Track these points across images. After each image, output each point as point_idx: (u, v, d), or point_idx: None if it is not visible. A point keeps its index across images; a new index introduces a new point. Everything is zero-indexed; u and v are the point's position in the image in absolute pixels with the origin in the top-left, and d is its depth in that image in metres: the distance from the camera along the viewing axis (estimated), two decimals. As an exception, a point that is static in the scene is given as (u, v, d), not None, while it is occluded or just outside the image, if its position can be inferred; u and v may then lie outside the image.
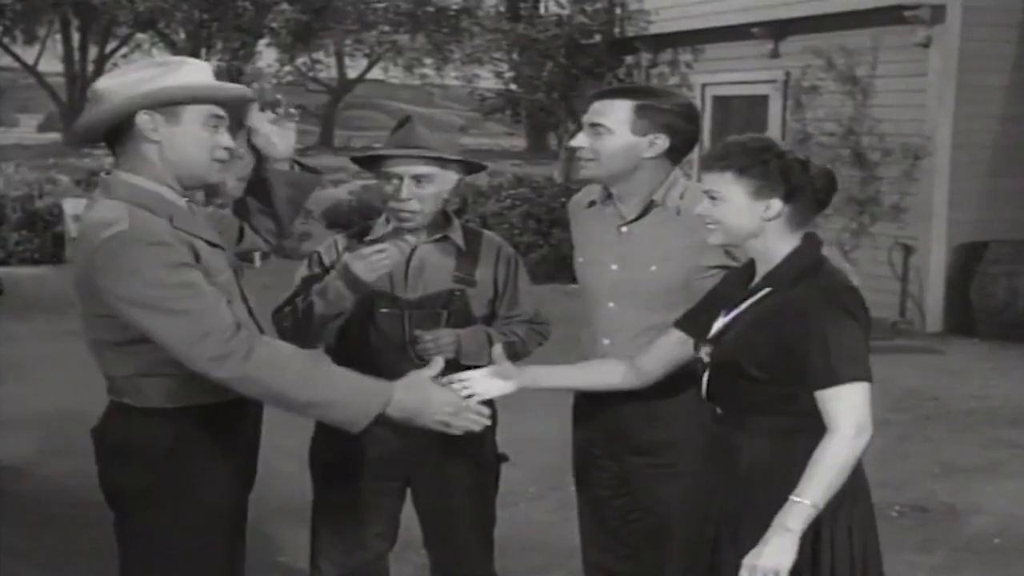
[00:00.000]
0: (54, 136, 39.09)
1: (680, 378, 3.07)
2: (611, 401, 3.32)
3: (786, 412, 2.75)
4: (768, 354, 2.72)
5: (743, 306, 2.83)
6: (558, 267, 12.42)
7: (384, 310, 3.38)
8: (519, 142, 38.02)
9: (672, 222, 3.28)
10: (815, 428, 2.73)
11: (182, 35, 31.03)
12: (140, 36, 36.34)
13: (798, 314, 2.69)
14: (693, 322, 3.01)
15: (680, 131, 3.28)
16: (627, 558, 3.46)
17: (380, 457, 3.39)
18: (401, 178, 3.34)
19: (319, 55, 38.25)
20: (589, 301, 3.44)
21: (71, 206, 14.34)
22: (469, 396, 2.94)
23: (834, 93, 11.39)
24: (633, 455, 3.35)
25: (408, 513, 3.55)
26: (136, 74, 2.86)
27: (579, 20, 15.68)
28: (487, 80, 24.25)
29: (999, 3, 10.99)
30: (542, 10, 18.11)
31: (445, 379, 2.92)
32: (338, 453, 3.42)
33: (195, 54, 29.13)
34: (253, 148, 3.14)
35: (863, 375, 2.66)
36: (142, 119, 2.78)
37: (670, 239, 3.24)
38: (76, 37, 37.92)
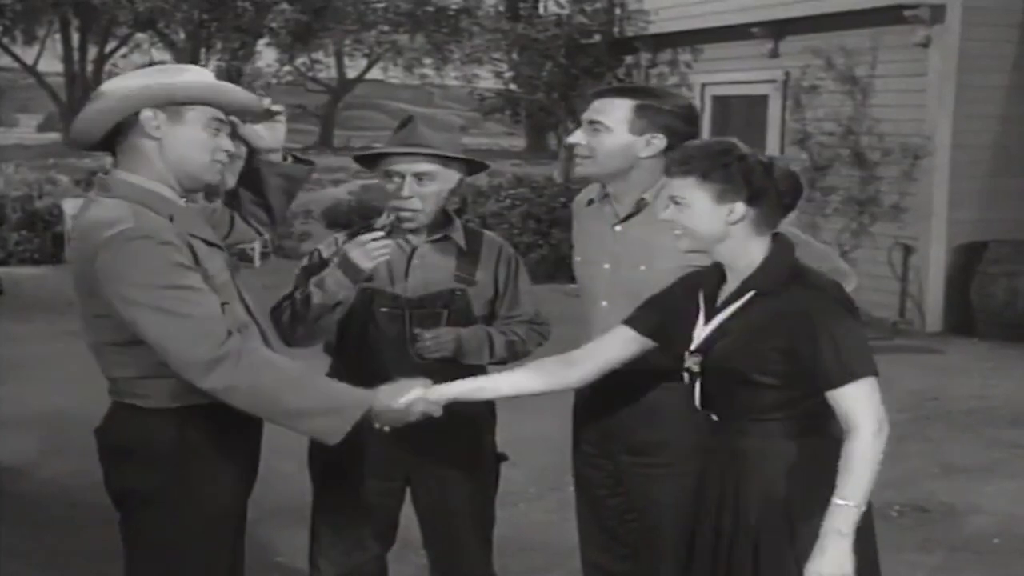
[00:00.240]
0: (54, 136, 39.09)
1: (676, 378, 3.07)
2: (608, 401, 3.32)
3: (791, 415, 2.76)
4: (774, 359, 2.71)
5: (727, 312, 2.81)
6: (557, 267, 12.43)
7: (384, 309, 3.38)
8: (519, 142, 38.02)
9: (661, 222, 3.28)
10: (820, 428, 2.75)
11: (182, 35, 31.01)
12: (140, 36, 36.33)
13: (802, 317, 2.69)
14: (644, 322, 3.00)
15: (678, 132, 3.28)
16: (625, 557, 3.47)
17: (379, 457, 3.39)
18: (403, 176, 3.35)
19: (319, 55, 38.25)
20: (585, 300, 3.45)
21: (71, 206, 14.34)
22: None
23: (834, 93, 11.39)
24: (628, 455, 3.36)
25: (407, 513, 3.55)
26: (142, 76, 2.88)
27: (579, 20, 15.69)
28: (487, 80, 24.26)
29: (999, 3, 10.99)
30: (542, 10, 18.12)
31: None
32: (337, 453, 3.39)
33: (195, 54, 29.15)
34: (243, 140, 3.15)
35: (873, 370, 2.69)
36: (146, 116, 2.79)
37: (660, 239, 3.24)
38: (76, 37, 37.91)
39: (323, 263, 3.43)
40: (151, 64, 35.99)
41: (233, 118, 3.02)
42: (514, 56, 16.92)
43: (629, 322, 3.04)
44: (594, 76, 14.87)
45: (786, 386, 2.73)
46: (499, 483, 3.60)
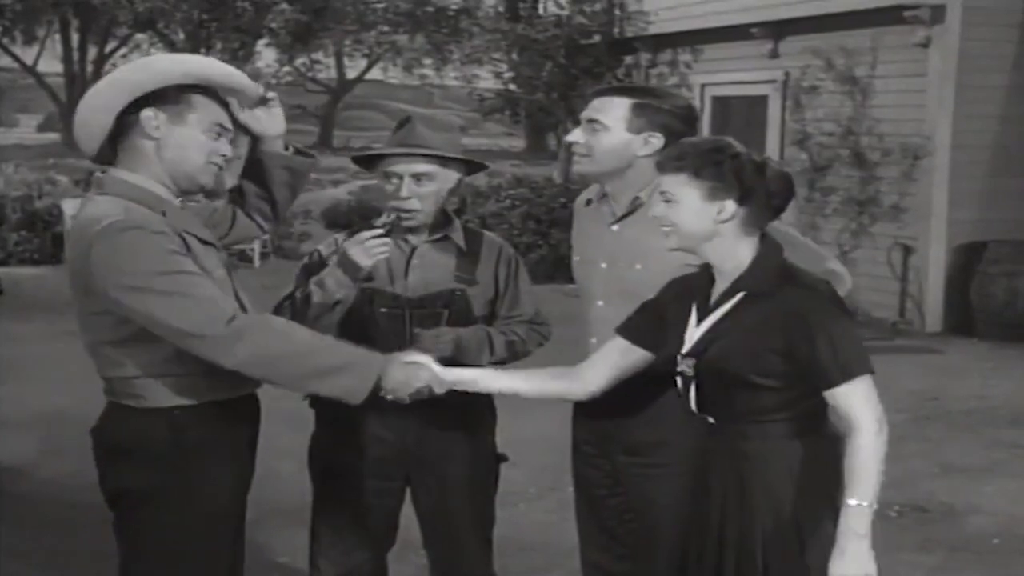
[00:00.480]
0: (54, 136, 39.11)
1: (673, 379, 3.07)
2: (606, 401, 3.32)
3: (790, 416, 2.75)
4: (771, 360, 2.71)
5: (718, 314, 2.81)
6: (557, 267, 12.43)
7: (385, 309, 3.38)
8: (518, 142, 38.03)
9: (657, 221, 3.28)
10: (818, 428, 2.76)
11: (181, 35, 31.01)
12: (139, 36, 36.32)
13: (797, 317, 2.69)
14: (637, 330, 3.01)
15: (676, 132, 3.28)
16: (624, 557, 3.46)
17: (379, 457, 3.39)
18: (401, 177, 3.35)
19: (318, 55, 38.24)
20: (583, 300, 3.46)
21: (70, 206, 14.34)
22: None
23: (833, 93, 11.40)
24: (626, 455, 3.36)
25: (407, 513, 3.55)
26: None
27: (578, 20, 15.69)
28: (486, 80, 24.27)
29: (999, 3, 10.99)
30: (541, 10, 18.12)
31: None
32: (337, 453, 3.42)
33: (194, 54, 29.10)
34: (244, 129, 3.14)
35: (870, 368, 2.69)
36: (146, 115, 2.81)
37: (656, 238, 3.24)
38: (75, 37, 37.94)
39: (323, 263, 3.43)
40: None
41: (232, 101, 3.03)
42: (514, 56, 16.93)
43: (622, 332, 3.04)
44: (594, 76, 14.87)
45: (784, 387, 2.72)
46: (499, 483, 3.60)
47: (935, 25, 10.86)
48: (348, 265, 3.21)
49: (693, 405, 2.84)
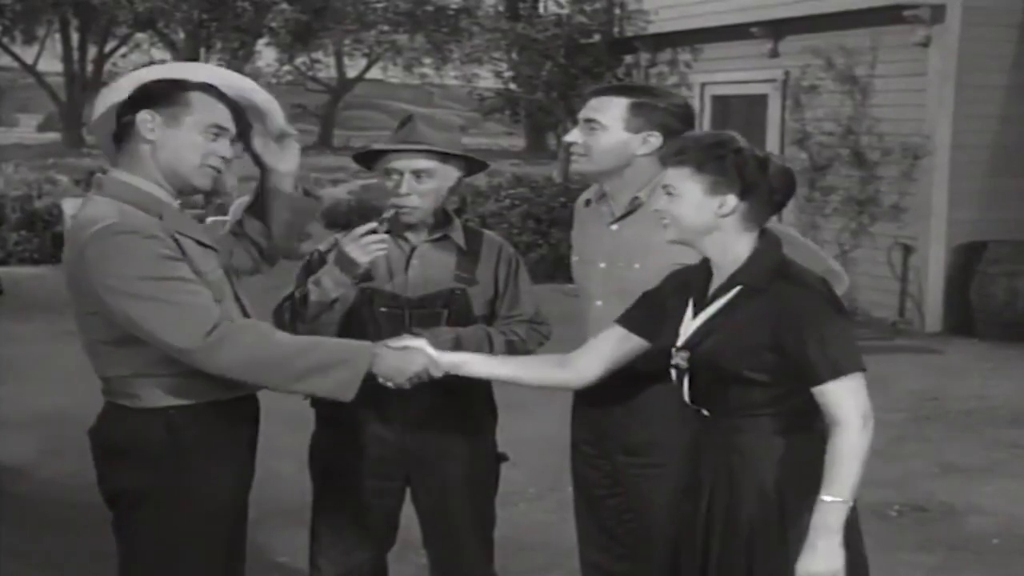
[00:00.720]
0: (54, 136, 39.12)
1: (671, 378, 3.08)
2: (604, 400, 3.33)
3: (782, 411, 2.76)
4: (764, 355, 2.72)
5: (714, 308, 2.81)
6: (557, 267, 12.43)
7: (384, 309, 3.38)
8: (518, 142, 38.03)
9: (657, 220, 3.28)
10: (809, 424, 2.76)
11: (181, 35, 31.05)
12: (139, 36, 36.37)
13: (790, 312, 2.69)
14: (636, 319, 3.02)
15: (674, 130, 3.28)
16: (624, 557, 3.47)
17: (379, 457, 3.39)
18: (401, 173, 3.35)
19: (318, 55, 38.27)
20: (582, 300, 3.47)
21: (70, 206, 14.35)
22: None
23: (833, 93, 11.39)
24: (625, 455, 3.36)
25: (408, 513, 3.55)
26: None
27: (578, 20, 15.69)
28: (486, 80, 24.28)
29: (999, 3, 10.99)
30: (541, 10, 18.12)
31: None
32: (337, 453, 3.42)
33: (195, 54, 29.18)
34: (255, 158, 3.13)
35: (860, 366, 2.69)
36: (142, 117, 2.81)
37: (655, 238, 3.24)
38: (75, 37, 37.94)
39: (323, 261, 3.43)
40: (151, 64, 36.09)
41: (257, 127, 3.03)
42: (514, 56, 16.92)
43: (621, 320, 3.05)
44: (594, 76, 14.86)
45: (777, 383, 2.73)
46: (499, 483, 3.60)
47: (935, 25, 10.86)
48: (345, 262, 3.21)
49: (687, 397, 2.85)
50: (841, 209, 11.04)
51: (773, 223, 2.93)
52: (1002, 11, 10.98)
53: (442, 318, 3.38)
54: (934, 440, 7.29)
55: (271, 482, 5.16)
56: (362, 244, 3.19)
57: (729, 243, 2.79)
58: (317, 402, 3.33)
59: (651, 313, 2.99)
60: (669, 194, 2.81)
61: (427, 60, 38.22)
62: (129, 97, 2.88)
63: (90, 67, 38.54)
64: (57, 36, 38.43)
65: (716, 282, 2.84)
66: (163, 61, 34.15)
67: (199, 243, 2.86)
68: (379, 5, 34.07)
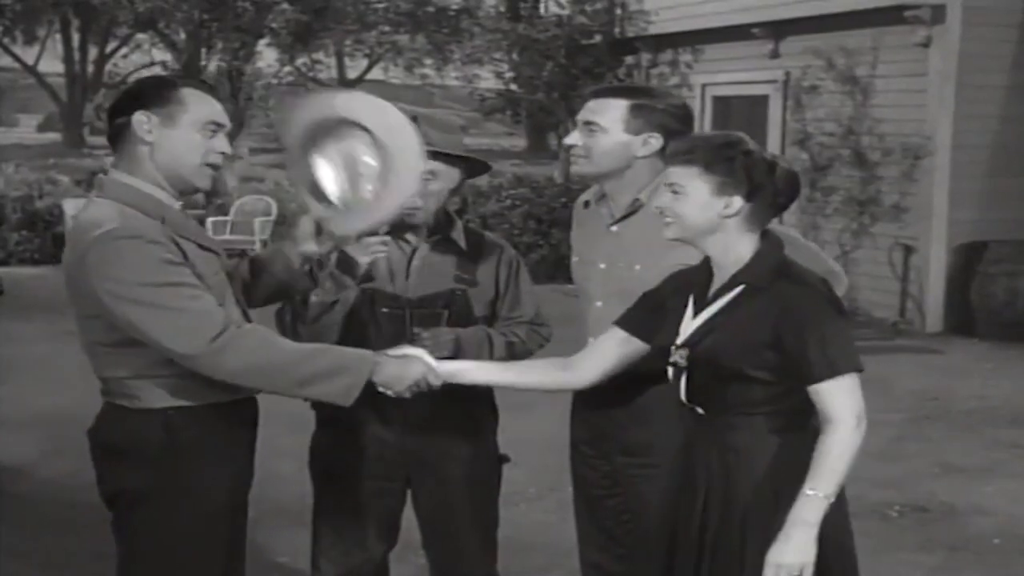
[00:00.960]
0: (54, 136, 39.10)
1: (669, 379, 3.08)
2: (603, 401, 3.33)
3: (778, 410, 2.77)
4: (764, 353, 2.73)
5: (716, 307, 2.82)
6: (557, 267, 12.43)
7: (385, 310, 3.37)
8: (519, 142, 38.03)
9: (657, 221, 3.28)
10: (804, 424, 2.78)
11: (182, 35, 31.00)
12: (140, 36, 36.30)
13: (791, 311, 2.71)
14: (636, 321, 3.02)
15: (674, 131, 3.29)
16: (623, 558, 3.47)
17: (380, 458, 3.39)
18: None
19: (319, 55, 38.17)
20: (582, 301, 3.47)
21: (71, 206, 14.36)
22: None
23: (834, 93, 11.40)
24: (624, 456, 3.37)
25: (408, 514, 3.55)
26: None
27: (579, 20, 15.68)
28: (487, 80, 24.28)
29: (999, 3, 10.99)
30: (542, 10, 18.11)
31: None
32: (338, 454, 3.42)
33: (195, 54, 29.15)
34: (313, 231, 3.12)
35: (857, 366, 2.71)
36: (138, 119, 2.79)
37: (655, 239, 3.24)
38: (76, 37, 37.92)
39: (321, 263, 3.43)
40: (151, 64, 35.98)
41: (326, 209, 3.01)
42: (514, 56, 16.92)
43: (620, 323, 3.05)
44: (594, 76, 14.86)
45: (775, 381, 2.74)
46: (500, 484, 3.60)
47: (935, 25, 10.86)
48: (346, 263, 3.21)
49: (683, 396, 2.86)
50: (842, 209, 11.05)
51: (774, 224, 2.93)
52: (1002, 11, 10.99)
53: (443, 319, 3.38)
54: (935, 440, 7.29)
55: (271, 482, 5.16)
56: (363, 245, 3.19)
57: (731, 243, 2.80)
58: (317, 403, 3.33)
59: (650, 315, 2.99)
60: (675, 192, 2.81)
61: (428, 61, 38.17)
62: (122, 98, 2.87)
63: (91, 67, 38.52)
64: (58, 36, 38.40)
65: (717, 282, 2.85)
66: (163, 62, 34.22)
67: (200, 246, 2.85)
68: (380, 6, 34.03)
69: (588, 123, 3.32)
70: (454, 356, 3.29)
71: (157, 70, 32.90)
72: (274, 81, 34.61)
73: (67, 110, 37.88)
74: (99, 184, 2.85)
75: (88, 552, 4.82)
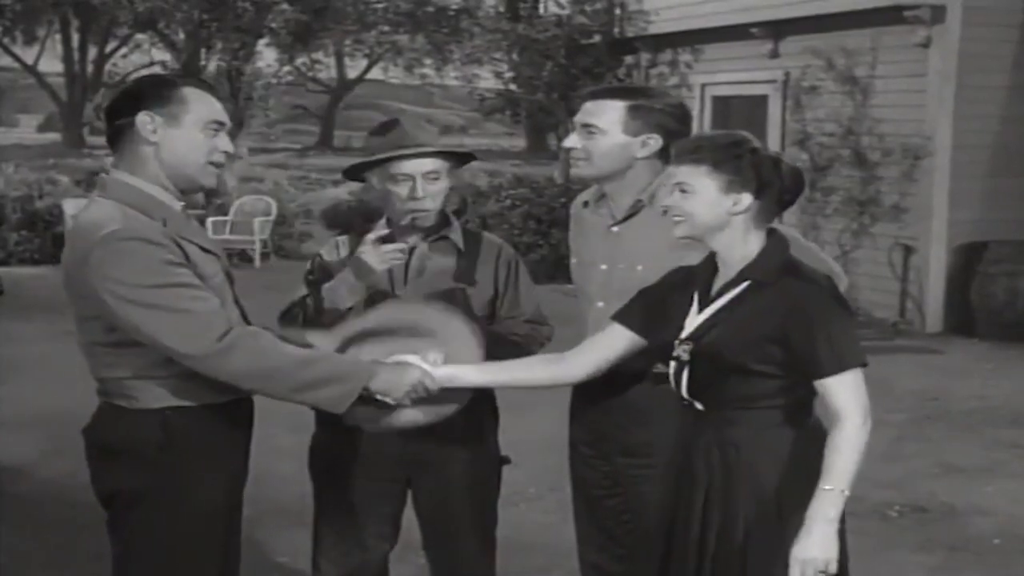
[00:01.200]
0: (54, 136, 39.13)
1: (668, 379, 3.08)
2: (602, 402, 3.33)
3: (778, 404, 2.79)
4: (768, 347, 2.75)
5: (720, 302, 2.84)
6: (557, 267, 12.43)
7: (385, 310, 3.37)
8: (519, 142, 38.04)
9: (659, 222, 3.28)
10: (803, 418, 2.82)
11: (182, 35, 31.00)
12: (140, 36, 36.34)
13: (798, 307, 2.73)
14: (633, 317, 3.03)
15: (672, 131, 3.30)
16: (623, 558, 3.47)
17: (381, 458, 3.38)
18: (412, 178, 3.33)
19: (319, 55, 38.23)
20: (581, 301, 3.47)
21: (71, 206, 14.36)
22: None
23: (834, 93, 11.39)
24: (623, 456, 3.37)
25: (408, 514, 3.55)
26: None
27: (579, 20, 15.68)
28: (487, 80, 24.28)
29: (999, 3, 10.99)
30: (542, 10, 18.10)
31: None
32: (338, 455, 3.42)
33: (195, 54, 29.13)
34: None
35: (862, 361, 2.75)
36: (142, 119, 2.79)
37: (657, 239, 3.25)
38: (76, 37, 37.94)
39: (324, 267, 3.43)
40: (151, 64, 35.97)
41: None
42: (514, 56, 16.92)
43: (617, 317, 3.06)
44: (594, 76, 14.86)
45: (778, 376, 2.77)
46: (500, 485, 3.59)
47: (935, 25, 10.86)
48: (362, 270, 3.21)
49: (684, 391, 2.87)
50: (842, 209, 11.04)
51: (777, 227, 2.95)
52: (1002, 11, 10.98)
53: (442, 319, 3.37)
54: (935, 440, 7.29)
55: (271, 482, 5.17)
56: (380, 252, 3.19)
57: (739, 240, 2.83)
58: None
59: (649, 310, 3.01)
60: (683, 191, 2.83)
61: (428, 61, 38.21)
62: (121, 98, 2.87)
63: (90, 67, 38.53)
64: (57, 36, 38.43)
65: (723, 278, 2.88)
66: (163, 62, 34.20)
67: (201, 248, 2.85)
68: (379, 5, 34.05)
69: (586, 125, 3.32)
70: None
71: (157, 70, 32.89)
72: (274, 81, 34.63)
73: (67, 110, 37.90)
74: (101, 184, 2.85)
75: (88, 552, 4.81)
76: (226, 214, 16.07)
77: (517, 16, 19.09)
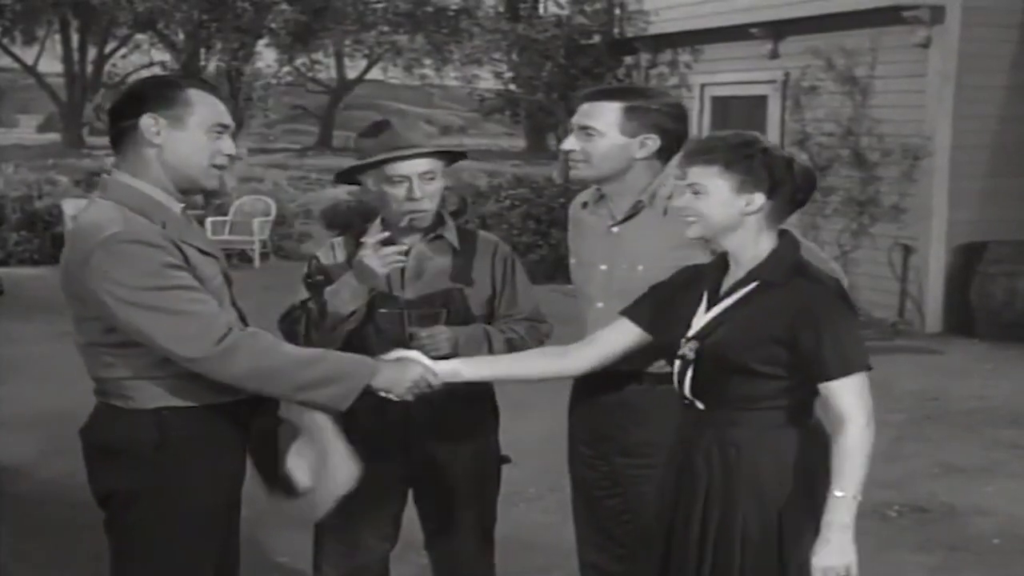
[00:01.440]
0: (54, 136, 39.12)
1: (668, 380, 3.08)
2: (602, 402, 3.34)
3: (780, 406, 2.80)
4: (773, 348, 2.75)
5: (728, 301, 2.85)
6: (557, 267, 12.44)
7: (383, 310, 3.37)
8: (518, 142, 38.04)
9: (659, 222, 3.29)
10: (804, 420, 2.82)
11: (181, 36, 31.03)
12: (139, 36, 36.34)
13: (805, 310, 2.74)
14: (642, 312, 3.04)
15: (670, 130, 3.31)
16: (622, 558, 3.47)
17: (382, 458, 3.38)
18: (409, 179, 3.33)
19: (318, 55, 38.23)
20: (581, 302, 3.47)
21: (71, 207, 14.36)
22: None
23: (833, 93, 11.39)
24: (623, 456, 3.37)
25: (408, 514, 3.55)
26: None
27: (578, 20, 15.68)
28: (486, 80, 24.31)
29: (999, 3, 10.98)
30: (541, 10, 18.11)
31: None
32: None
33: (195, 54, 29.14)
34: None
35: (867, 365, 2.76)
36: (146, 121, 2.79)
37: (657, 239, 3.26)
38: (75, 38, 37.94)
39: (322, 270, 3.44)
40: (151, 64, 35.94)
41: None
42: (514, 57, 16.92)
43: (627, 312, 3.07)
44: (594, 77, 14.86)
45: (781, 377, 2.77)
46: (500, 484, 3.60)
47: (935, 25, 10.85)
48: (364, 274, 3.21)
49: (688, 390, 2.87)
50: (841, 210, 11.04)
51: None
52: (1002, 11, 10.98)
53: (441, 318, 3.38)
54: (934, 440, 7.29)
55: (271, 482, 5.16)
56: (381, 256, 3.18)
57: (751, 240, 2.84)
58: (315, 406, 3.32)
59: (657, 307, 3.01)
60: (695, 192, 2.83)
61: (427, 61, 38.20)
62: (125, 100, 2.87)
63: (90, 68, 38.53)
64: (57, 37, 38.42)
65: (732, 277, 2.88)
66: (162, 62, 34.19)
67: (201, 251, 2.85)
68: (379, 6, 34.06)
69: (584, 127, 3.32)
70: (453, 355, 3.29)
71: (156, 70, 32.89)
72: (273, 81, 34.63)
73: (66, 110, 37.89)
74: (102, 185, 2.85)
75: (88, 552, 4.81)
76: (225, 214, 16.07)
77: (517, 16, 19.11)
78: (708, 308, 2.88)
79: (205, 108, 2.84)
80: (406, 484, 3.49)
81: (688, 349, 2.86)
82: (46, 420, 6.93)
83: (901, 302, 11.28)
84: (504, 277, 3.51)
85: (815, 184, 2.88)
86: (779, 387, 2.78)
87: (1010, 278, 10.51)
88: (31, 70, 39.22)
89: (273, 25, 30.33)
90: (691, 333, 2.87)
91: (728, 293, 2.86)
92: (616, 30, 15.33)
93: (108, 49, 38.58)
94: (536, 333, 3.54)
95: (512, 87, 17.35)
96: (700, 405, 2.87)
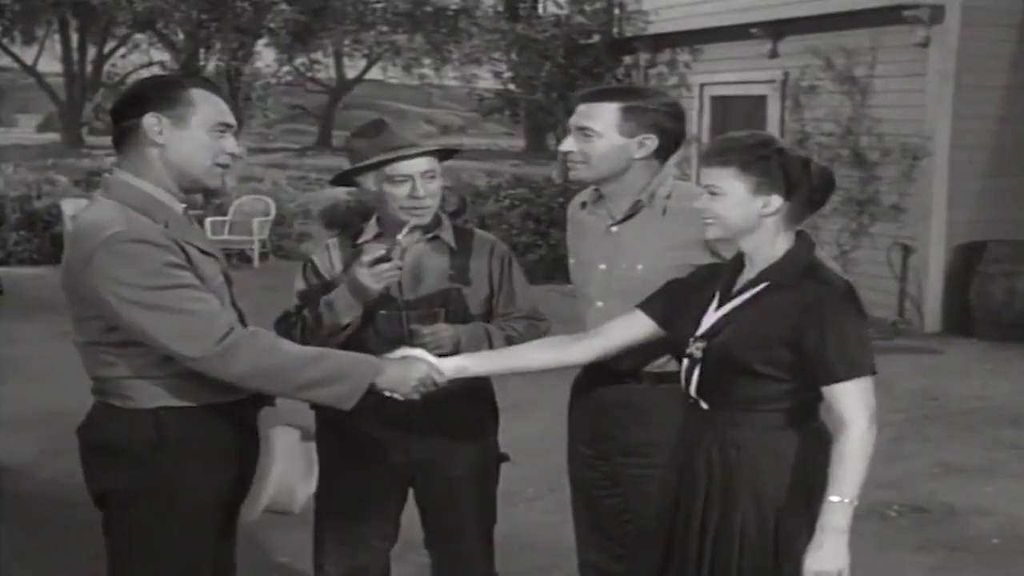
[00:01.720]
0: (53, 136, 39.10)
1: (669, 379, 3.08)
2: (602, 402, 3.34)
3: (783, 408, 2.79)
4: (780, 350, 2.75)
5: (738, 301, 2.85)
6: (556, 267, 12.45)
7: (382, 311, 3.37)
8: (518, 142, 38.05)
9: (658, 221, 3.29)
10: (806, 423, 2.82)
11: (181, 35, 31.05)
12: (139, 36, 36.36)
13: (811, 310, 2.73)
14: (657, 306, 3.05)
15: (668, 130, 3.31)
16: (622, 558, 3.47)
17: (382, 458, 3.39)
18: (411, 178, 3.34)
19: (318, 55, 38.25)
20: (580, 302, 3.47)
21: (70, 206, 14.36)
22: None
23: (833, 93, 11.40)
24: (623, 456, 3.37)
25: (408, 513, 3.55)
26: None
27: (577, 20, 15.68)
28: (486, 80, 24.33)
29: (999, 3, 10.98)
30: (540, 10, 18.13)
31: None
32: (340, 455, 3.41)
33: (194, 54, 29.14)
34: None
35: (872, 368, 2.74)
36: (148, 121, 2.79)
37: (656, 238, 3.26)
38: (75, 37, 37.93)
39: (316, 273, 3.44)
40: (150, 64, 35.93)
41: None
42: (513, 56, 16.93)
43: (642, 306, 3.07)
44: (593, 76, 14.86)
45: (785, 379, 2.77)
46: (499, 483, 3.60)
47: (934, 25, 10.85)
48: (358, 290, 3.21)
49: (693, 389, 2.87)
50: (841, 209, 11.03)
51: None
52: (1002, 11, 10.98)
53: (439, 317, 3.38)
54: (934, 440, 7.29)
55: (271, 482, 5.15)
56: (375, 272, 3.18)
57: (768, 241, 2.84)
58: (318, 404, 3.32)
59: (672, 303, 3.02)
60: (712, 194, 2.84)
61: (426, 60, 38.21)
62: (127, 99, 2.87)
63: (89, 68, 38.52)
64: (56, 36, 38.42)
65: (746, 276, 2.88)
66: (161, 62, 34.19)
67: (201, 251, 2.86)
68: (378, 5, 34.07)
69: (582, 128, 3.32)
70: (455, 353, 3.29)
71: (156, 70, 32.90)
72: (272, 81, 34.64)
73: (66, 110, 37.89)
74: (104, 184, 2.84)
75: (88, 552, 4.81)
76: (225, 214, 16.07)
77: (516, 16, 19.12)
78: (718, 307, 2.88)
79: (208, 107, 2.84)
80: (406, 483, 3.49)
81: (696, 348, 2.86)
82: (46, 420, 6.93)
83: (900, 302, 11.28)
84: (501, 276, 3.51)
85: (833, 185, 2.87)
86: (782, 389, 2.77)
87: (1009, 278, 10.51)
88: (30, 70, 39.21)
89: (272, 25, 30.34)
90: (700, 332, 2.88)
91: (738, 293, 2.86)
92: (615, 30, 15.33)
93: (107, 49, 38.58)
94: (535, 331, 3.53)
95: (511, 87, 17.37)
96: (704, 405, 2.87)
